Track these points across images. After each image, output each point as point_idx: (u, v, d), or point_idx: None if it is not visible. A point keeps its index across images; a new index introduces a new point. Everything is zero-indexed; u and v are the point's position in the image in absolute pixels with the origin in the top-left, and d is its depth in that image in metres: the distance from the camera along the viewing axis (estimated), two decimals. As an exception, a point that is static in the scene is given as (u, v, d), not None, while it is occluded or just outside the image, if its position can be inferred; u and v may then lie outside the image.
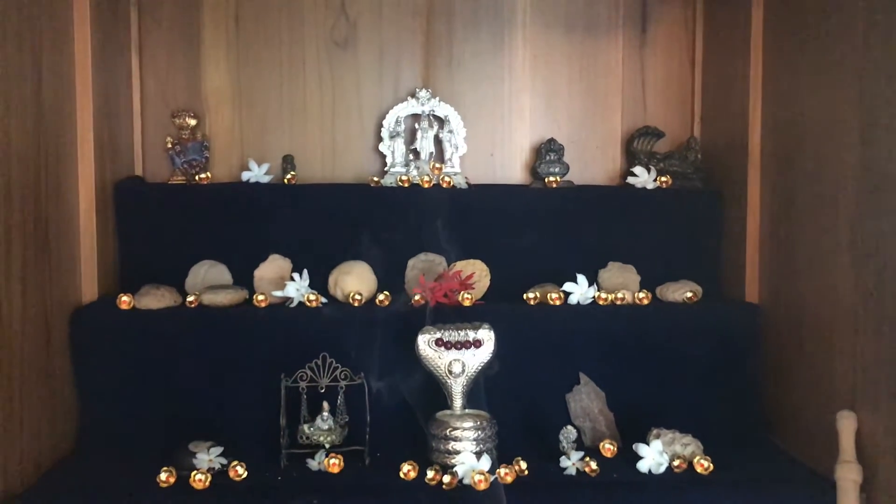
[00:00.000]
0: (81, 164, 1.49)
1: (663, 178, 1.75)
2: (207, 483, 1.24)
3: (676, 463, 1.33)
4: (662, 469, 1.33)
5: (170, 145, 1.72)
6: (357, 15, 1.82)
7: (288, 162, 1.73)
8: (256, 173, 1.71)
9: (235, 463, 1.28)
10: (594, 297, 1.57)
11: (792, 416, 1.48)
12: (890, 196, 1.20)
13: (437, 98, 1.79)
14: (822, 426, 1.33)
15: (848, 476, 1.22)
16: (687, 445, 1.37)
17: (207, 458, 1.29)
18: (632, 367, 1.54)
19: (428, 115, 1.79)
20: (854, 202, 1.29)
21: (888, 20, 1.20)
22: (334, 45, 1.81)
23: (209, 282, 1.59)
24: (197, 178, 1.69)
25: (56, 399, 1.38)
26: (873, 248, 1.24)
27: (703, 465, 1.32)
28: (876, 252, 1.23)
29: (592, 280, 1.60)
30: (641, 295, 1.58)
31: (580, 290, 1.57)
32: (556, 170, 1.76)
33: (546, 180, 1.75)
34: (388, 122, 1.78)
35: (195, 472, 1.25)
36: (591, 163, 1.87)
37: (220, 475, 1.28)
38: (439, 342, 1.38)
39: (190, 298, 1.51)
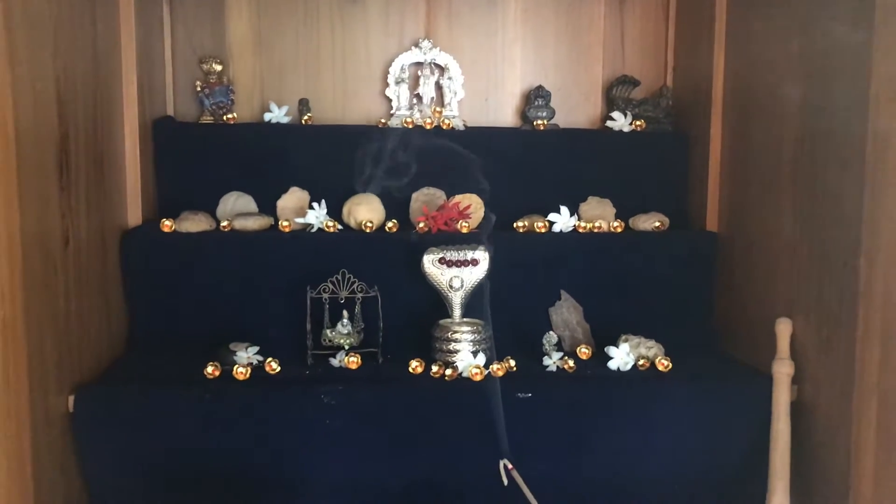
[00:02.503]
0: (126, 105, 1.65)
1: (638, 123, 1.89)
2: (248, 375, 1.43)
3: (641, 362, 1.53)
4: (629, 367, 1.52)
5: (199, 88, 1.85)
6: (366, -29, 1.94)
7: (304, 105, 1.87)
8: (277, 114, 1.86)
9: (270, 359, 1.47)
10: (575, 226, 1.73)
11: (740, 324, 1.67)
12: (823, 135, 1.38)
13: (438, 48, 1.92)
14: (764, 332, 1.52)
15: (782, 370, 1.43)
16: (650, 348, 1.56)
17: (246, 355, 1.49)
18: (606, 285, 1.72)
19: (429, 63, 1.92)
20: (794, 141, 1.46)
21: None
22: (346, -2, 1.95)
23: (237, 210, 1.75)
24: (224, 118, 1.85)
25: (111, 308, 1.58)
26: (809, 182, 1.42)
27: (663, 364, 1.51)
28: (812, 185, 1.41)
29: (574, 211, 1.75)
30: (616, 224, 1.76)
31: (563, 220, 1.73)
32: (544, 114, 1.90)
33: (534, 123, 1.89)
34: (394, 70, 1.91)
35: (237, 366, 1.44)
36: (575, 108, 2.01)
37: (257, 369, 1.46)
38: (442, 261, 1.57)
39: (223, 223, 1.68)
